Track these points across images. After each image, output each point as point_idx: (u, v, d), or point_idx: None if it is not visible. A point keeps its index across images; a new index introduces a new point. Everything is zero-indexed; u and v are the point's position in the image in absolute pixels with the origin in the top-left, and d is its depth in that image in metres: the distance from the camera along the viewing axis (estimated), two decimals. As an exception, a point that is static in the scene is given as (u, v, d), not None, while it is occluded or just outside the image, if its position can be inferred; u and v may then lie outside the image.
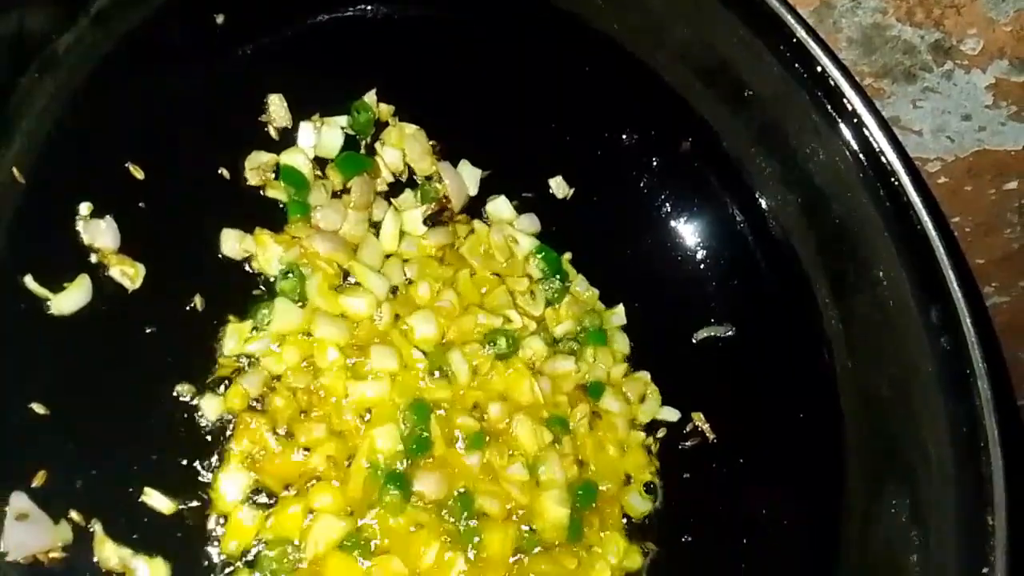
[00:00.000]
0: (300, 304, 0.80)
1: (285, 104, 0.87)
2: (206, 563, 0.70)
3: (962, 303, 0.79)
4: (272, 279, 0.81)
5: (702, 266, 1.00)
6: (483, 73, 0.96)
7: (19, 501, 0.59)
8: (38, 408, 0.64)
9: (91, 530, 0.64)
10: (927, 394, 0.79)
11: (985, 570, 0.70)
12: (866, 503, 0.81)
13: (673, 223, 1.01)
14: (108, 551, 0.64)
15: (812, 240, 0.91)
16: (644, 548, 0.86)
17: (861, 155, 0.86)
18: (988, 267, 1.27)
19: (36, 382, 0.65)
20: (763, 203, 0.96)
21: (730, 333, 0.97)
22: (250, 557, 0.71)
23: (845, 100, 0.85)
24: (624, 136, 1.01)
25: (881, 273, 0.85)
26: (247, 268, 0.80)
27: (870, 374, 0.85)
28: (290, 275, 0.80)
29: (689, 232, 1.00)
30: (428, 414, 0.80)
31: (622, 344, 0.95)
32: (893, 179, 0.84)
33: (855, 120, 0.85)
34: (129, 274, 0.72)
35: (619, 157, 1.01)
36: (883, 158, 0.85)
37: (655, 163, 1.01)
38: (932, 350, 0.80)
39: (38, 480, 0.62)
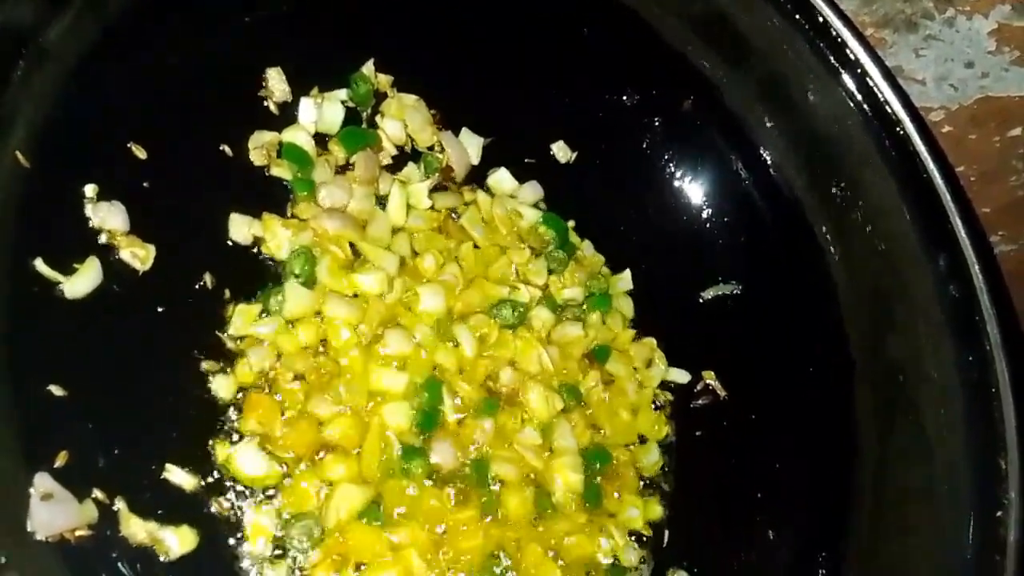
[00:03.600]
0: (310, 286, 0.80)
1: (284, 78, 0.87)
2: (231, 535, 0.70)
3: (970, 250, 0.79)
4: (282, 262, 0.80)
5: (707, 225, 1.00)
6: (480, 38, 0.95)
7: (43, 481, 0.60)
8: (56, 390, 0.64)
9: (116, 508, 0.65)
10: (937, 341, 0.79)
11: (999, 513, 0.71)
12: (878, 452, 0.82)
13: (677, 183, 1.01)
14: (135, 526, 0.65)
15: (818, 193, 0.91)
16: (662, 503, 0.87)
17: (865, 106, 0.85)
18: (993, 216, 1.27)
19: (52, 364, 0.65)
20: (767, 158, 0.96)
21: (737, 291, 0.97)
22: (275, 532, 0.72)
23: (848, 51, 0.84)
24: (625, 97, 1.01)
25: (888, 223, 0.85)
26: (256, 250, 0.80)
27: (879, 324, 0.85)
28: (301, 258, 0.80)
29: (693, 191, 1.00)
30: (441, 391, 0.81)
31: (628, 309, 0.95)
32: (898, 129, 0.84)
33: (858, 70, 0.84)
34: (139, 255, 0.72)
35: (620, 119, 1.00)
36: (888, 108, 0.84)
37: (657, 123, 1.01)
38: (941, 297, 0.80)
39: (60, 460, 0.62)
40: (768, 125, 0.95)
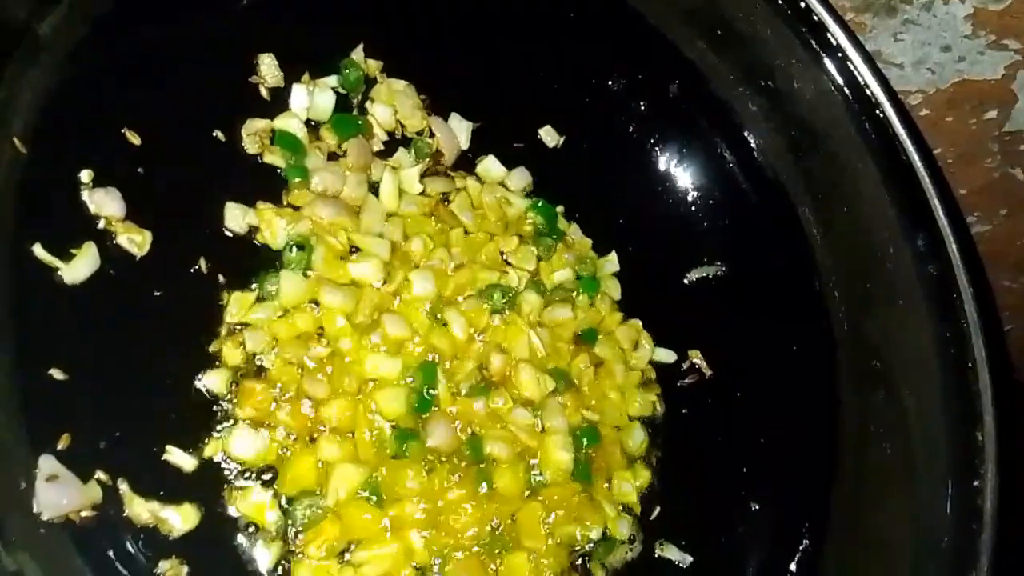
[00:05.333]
0: (306, 274, 0.81)
1: (276, 63, 0.87)
2: (232, 513, 0.72)
3: (947, 230, 0.81)
4: (277, 251, 0.82)
5: (693, 207, 1.02)
6: (468, 24, 0.96)
7: (48, 463, 0.61)
8: (57, 374, 0.65)
9: (119, 488, 0.66)
10: (916, 319, 0.82)
11: (976, 483, 0.74)
12: (859, 426, 0.85)
13: (663, 166, 1.02)
14: (138, 507, 0.66)
15: (801, 175, 0.93)
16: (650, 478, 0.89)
17: (846, 89, 0.87)
18: (970, 197, 1.30)
19: (52, 349, 0.66)
20: (752, 141, 0.98)
21: (722, 272, 0.99)
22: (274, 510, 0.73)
23: (829, 35, 0.86)
24: (611, 82, 1.02)
25: (868, 204, 0.87)
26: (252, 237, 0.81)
27: (860, 303, 0.88)
28: (296, 248, 0.81)
29: (679, 174, 1.02)
30: (435, 375, 0.82)
31: (615, 291, 0.97)
32: (878, 112, 0.86)
33: (839, 55, 0.86)
34: (136, 241, 0.73)
35: (607, 103, 1.02)
36: (868, 91, 0.87)
37: (643, 107, 1.03)
38: (919, 276, 0.82)
39: (63, 443, 0.63)
40: (752, 109, 0.97)
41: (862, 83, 0.87)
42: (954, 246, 0.80)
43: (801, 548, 0.82)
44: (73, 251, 0.69)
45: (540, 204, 0.96)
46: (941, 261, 0.80)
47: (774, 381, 0.92)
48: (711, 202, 1.01)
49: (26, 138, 0.65)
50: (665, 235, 1.01)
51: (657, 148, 1.03)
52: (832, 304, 0.90)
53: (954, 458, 0.75)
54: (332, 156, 0.88)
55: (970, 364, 0.77)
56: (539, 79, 1.00)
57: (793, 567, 0.82)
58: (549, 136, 1.01)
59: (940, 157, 1.21)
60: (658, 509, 0.88)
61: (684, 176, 1.02)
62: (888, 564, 0.75)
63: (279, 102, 0.87)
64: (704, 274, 1.00)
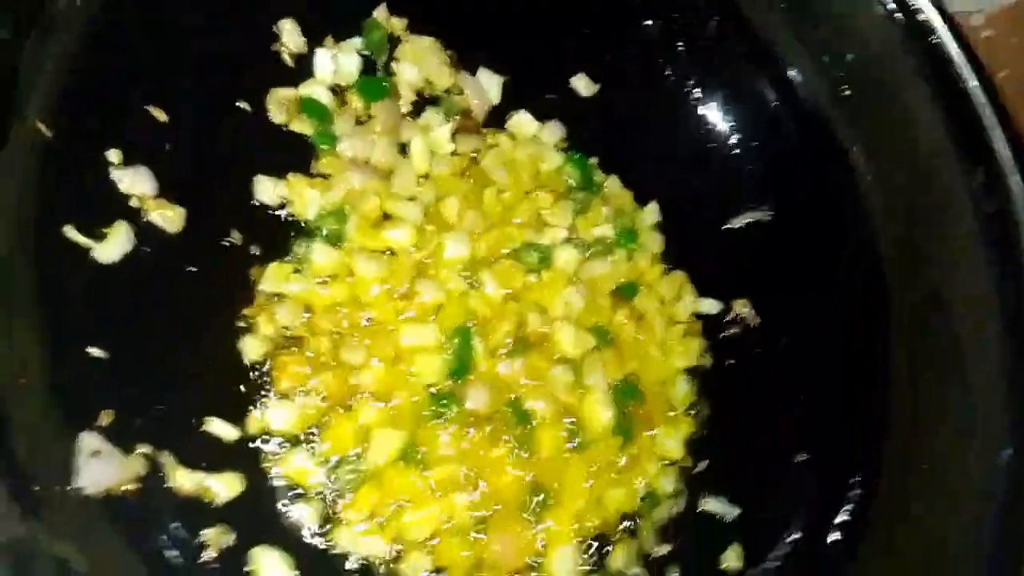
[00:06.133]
0: (338, 244, 0.82)
1: (298, 29, 0.86)
2: (273, 479, 0.74)
3: (1007, 163, 0.76)
4: (310, 222, 0.82)
5: (735, 151, 0.98)
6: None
7: (90, 439, 0.64)
8: (96, 352, 0.67)
9: (162, 461, 0.68)
10: (972, 259, 0.77)
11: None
12: (912, 376, 0.81)
13: (702, 110, 0.98)
14: (181, 477, 0.68)
15: (847, 110, 0.88)
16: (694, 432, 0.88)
17: (896, 14, 0.82)
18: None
19: (91, 328, 0.68)
20: (795, 78, 0.93)
21: (768, 217, 0.95)
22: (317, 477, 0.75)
23: (876, -45, 0.80)
24: (647, 23, 0.98)
25: (921, 138, 0.82)
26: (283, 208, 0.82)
27: (913, 244, 0.83)
28: (330, 217, 0.81)
29: (719, 117, 0.98)
30: (471, 338, 0.82)
31: (656, 243, 0.94)
32: (932, 38, 0.81)
33: (888, -24, 0.80)
34: (169, 217, 0.74)
35: (643, 46, 0.98)
36: (920, 16, 0.81)
37: (680, 48, 0.98)
38: (977, 214, 0.77)
39: (106, 419, 0.66)
40: (795, 43, 0.92)
41: (913, 6, 0.81)
42: (1014, 181, 0.75)
43: (850, 498, 0.80)
44: (105, 231, 0.70)
45: (576, 158, 0.94)
46: (999, 198, 0.75)
47: (823, 329, 0.89)
48: (754, 144, 0.97)
49: (49, 120, 0.66)
50: (707, 181, 0.98)
51: (696, 91, 0.99)
52: (884, 246, 0.86)
53: (1012, 407, 0.71)
54: (360, 122, 0.88)
55: (1030, 306, 0.72)
56: (569, 24, 0.97)
57: (842, 518, 0.80)
58: (583, 85, 0.98)
59: (1005, 81, 1.12)
60: (701, 463, 0.86)
61: (725, 119, 0.98)
62: (940, 517, 0.72)
63: (304, 69, 0.87)
64: (749, 220, 0.96)
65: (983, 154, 0.77)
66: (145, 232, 0.74)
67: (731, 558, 0.81)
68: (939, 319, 0.78)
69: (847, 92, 0.88)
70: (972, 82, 0.79)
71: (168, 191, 0.76)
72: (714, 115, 0.98)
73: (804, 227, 0.93)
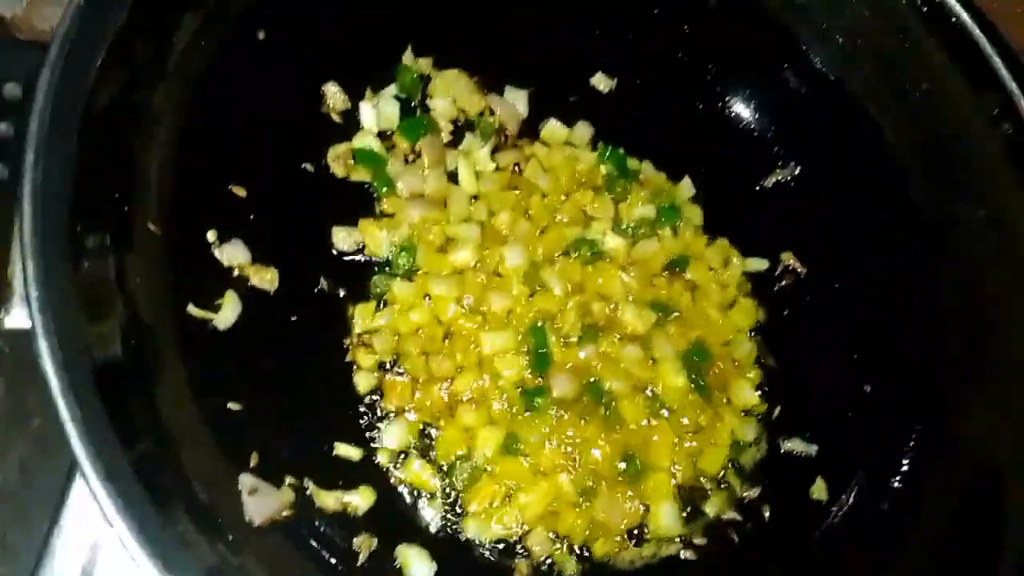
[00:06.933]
0: (412, 273, 0.91)
1: (340, 88, 0.96)
2: (401, 485, 0.85)
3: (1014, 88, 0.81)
4: (385, 259, 0.92)
5: (756, 116, 1.04)
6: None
7: (247, 479, 0.74)
8: (234, 406, 0.78)
9: (306, 488, 0.79)
10: (997, 180, 0.83)
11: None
12: (964, 300, 0.86)
13: (718, 84, 1.04)
14: (324, 497, 0.79)
15: (860, 68, 0.93)
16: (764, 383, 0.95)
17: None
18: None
19: (225, 386, 0.78)
20: (802, 38, 0.98)
21: (797, 171, 1.01)
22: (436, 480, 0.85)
23: None
24: (652, 10, 1.03)
25: (931, 79, 0.88)
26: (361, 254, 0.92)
27: (942, 178, 0.89)
28: (402, 252, 0.91)
29: (737, 89, 1.04)
30: (546, 335, 0.91)
31: (696, 215, 1.01)
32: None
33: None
34: (266, 278, 0.85)
35: (650, 33, 1.04)
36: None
37: (686, 29, 1.04)
38: (996, 137, 0.83)
39: (254, 460, 0.76)
40: (807, 7, 0.96)
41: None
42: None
43: (919, 428, 0.86)
44: (218, 302, 0.81)
45: (608, 151, 1.01)
46: (1013, 119, 0.81)
47: (868, 268, 0.95)
48: (773, 107, 1.03)
49: (157, 221, 0.76)
50: (734, 149, 1.04)
51: (708, 66, 1.05)
52: (913, 183, 0.91)
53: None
54: (408, 160, 0.97)
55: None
56: (580, 27, 1.03)
57: (914, 443, 0.86)
58: (602, 82, 1.05)
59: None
60: (779, 409, 0.93)
61: (741, 87, 1.04)
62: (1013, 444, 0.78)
63: (351, 123, 0.96)
64: (779, 178, 1.02)
65: (990, 82, 0.82)
66: (249, 294, 0.84)
67: (819, 490, 0.89)
68: (980, 247, 0.84)
69: (856, 47, 0.93)
70: (965, 15, 0.84)
71: (260, 256, 0.86)
72: (731, 87, 1.04)
73: (834, 176, 0.99)
